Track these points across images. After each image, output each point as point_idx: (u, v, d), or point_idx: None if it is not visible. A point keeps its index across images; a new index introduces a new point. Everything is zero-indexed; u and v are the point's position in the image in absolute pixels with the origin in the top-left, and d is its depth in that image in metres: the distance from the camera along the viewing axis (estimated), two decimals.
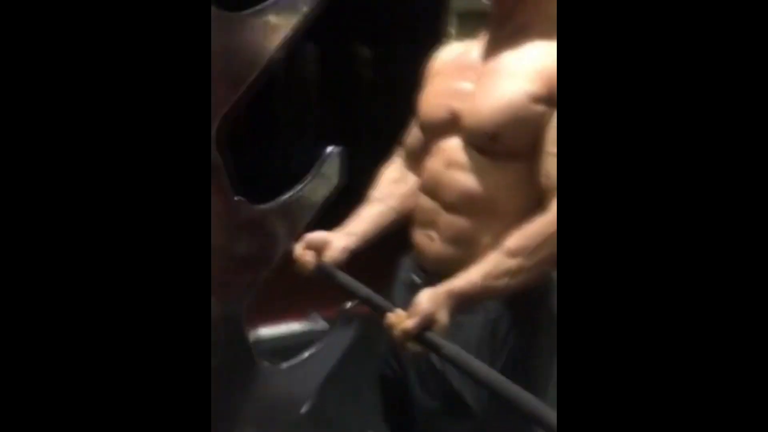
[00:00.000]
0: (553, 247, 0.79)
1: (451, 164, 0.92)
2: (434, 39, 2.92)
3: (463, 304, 0.82)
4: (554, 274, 0.88)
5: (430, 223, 0.96)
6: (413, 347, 0.79)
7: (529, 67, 0.85)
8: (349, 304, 0.95)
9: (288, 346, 1.06)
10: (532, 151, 0.85)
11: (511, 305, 0.91)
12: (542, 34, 0.86)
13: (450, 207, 0.93)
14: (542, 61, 0.84)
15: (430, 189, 0.96)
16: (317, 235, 0.96)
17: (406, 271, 1.03)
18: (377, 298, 0.85)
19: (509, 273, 0.81)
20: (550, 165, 0.83)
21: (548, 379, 0.95)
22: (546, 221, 0.81)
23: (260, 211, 0.84)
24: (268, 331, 1.35)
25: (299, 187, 0.85)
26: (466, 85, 0.91)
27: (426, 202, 0.97)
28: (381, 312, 0.82)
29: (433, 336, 0.77)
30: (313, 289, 1.09)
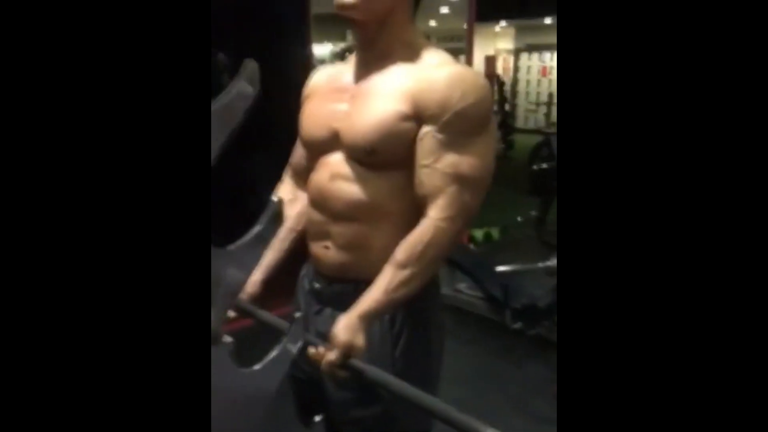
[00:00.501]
0: (435, 251, 0.92)
1: (335, 177, 1.00)
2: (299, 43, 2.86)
3: (374, 320, 0.94)
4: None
5: (323, 234, 1.03)
6: (341, 374, 0.88)
7: (396, 89, 0.94)
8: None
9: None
10: (407, 160, 0.94)
11: (403, 303, 0.99)
12: (403, 58, 0.97)
13: (339, 216, 1.00)
14: (406, 84, 0.94)
15: (318, 202, 1.03)
16: None
17: (307, 279, 1.11)
18: (299, 331, 0.88)
19: (404, 283, 0.92)
20: (424, 175, 0.93)
21: (440, 356, 1.10)
22: (424, 229, 0.92)
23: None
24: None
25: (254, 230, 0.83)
26: (342, 106, 1.00)
27: (315, 215, 1.04)
28: (304, 346, 0.90)
29: (355, 362, 0.87)
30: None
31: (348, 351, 0.88)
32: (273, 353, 0.94)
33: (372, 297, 0.92)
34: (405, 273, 0.91)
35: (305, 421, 1.20)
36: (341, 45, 5.98)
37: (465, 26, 3.61)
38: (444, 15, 8.56)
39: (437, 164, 0.92)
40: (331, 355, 0.88)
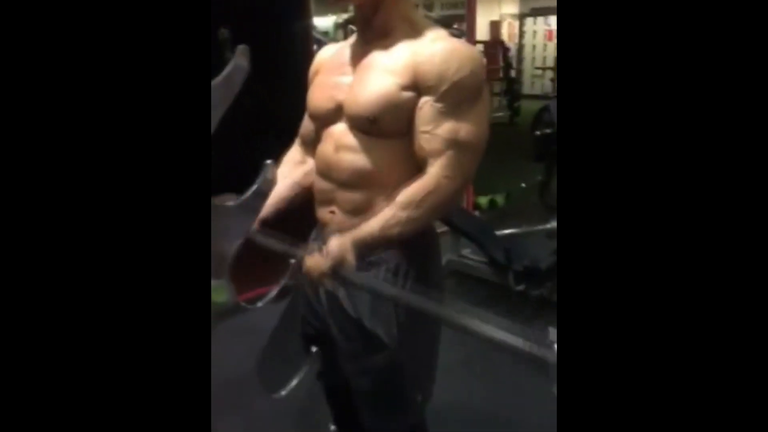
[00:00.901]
0: (433, 200, 0.99)
1: (339, 147, 1.07)
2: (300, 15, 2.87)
3: (365, 248, 1.00)
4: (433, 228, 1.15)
5: (329, 201, 1.11)
6: (329, 283, 0.98)
7: (396, 62, 1.01)
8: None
9: None
10: (407, 130, 1.02)
11: (405, 255, 1.08)
12: (402, 33, 1.03)
13: (344, 185, 1.08)
14: (405, 57, 1.00)
15: (324, 171, 1.11)
16: None
17: (315, 242, 1.17)
18: (294, 249, 1.02)
19: (400, 223, 0.99)
20: (424, 141, 1.01)
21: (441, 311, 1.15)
22: (427, 180, 0.99)
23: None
24: None
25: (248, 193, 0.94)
26: (346, 79, 1.08)
27: (322, 183, 1.12)
28: (301, 257, 0.99)
29: (344, 272, 0.96)
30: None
31: (338, 262, 0.97)
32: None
33: (368, 228, 1.00)
34: (402, 214, 0.99)
35: (317, 374, 1.29)
36: (344, 16, 5.95)
37: None
38: None
39: (437, 130, 0.99)
40: (324, 264, 0.97)
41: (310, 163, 1.21)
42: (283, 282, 1.04)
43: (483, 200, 4.13)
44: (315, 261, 0.98)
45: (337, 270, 0.97)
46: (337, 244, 0.98)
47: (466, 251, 3.14)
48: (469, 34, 3.69)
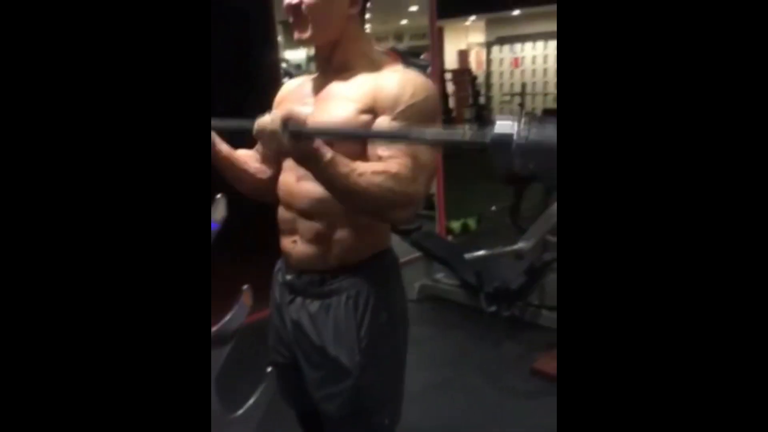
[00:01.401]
0: (394, 183, 0.96)
1: (300, 177, 1.10)
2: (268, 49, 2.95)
3: (313, 160, 0.95)
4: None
5: (292, 230, 1.14)
6: (283, 140, 0.92)
7: (356, 90, 1.06)
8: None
9: None
10: (364, 157, 1.02)
11: (366, 281, 1.10)
12: (361, 67, 1.08)
13: (305, 213, 1.11)
14: (365, 86, 1.05)
15: (287, 201, 1.15)
16: None
17: (281, 273, 1.22)
18: (246, 123, 0.99)
19: (352, 180, 0.95)
20: (380, 151, 1.00)
21: (405, 336, 1.19)
22: (390, 165, 0.97)
23: None
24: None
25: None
26: (306, 110, 1.09)
27: (285, 213, 1.15)
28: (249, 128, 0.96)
29: (295, 125, 0.92)
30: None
31: (289, 115, 0.92)
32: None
33: (341, 161, 0.95)
34: (372, 178, 0.95)
35: (287, 401, 1.31)
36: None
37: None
38: (413, 13, 8.67)
39: (392, 144, 1.00)
40: (272, 120, 0.92)
41: (263, 168, 1.23)
42: (235, 309, 1.05)
43: (455, 224, 4.20)
44: (264, 119, 0.95)
45: (286, 124, 0.92)
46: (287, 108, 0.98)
47: (439, 275, 3.18)
48: (435, 63, 3.79)
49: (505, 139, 0.71)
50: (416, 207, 1.02)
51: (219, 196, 0.79)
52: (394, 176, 0.96)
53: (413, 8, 8.37)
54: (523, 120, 0.71)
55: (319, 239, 1.10)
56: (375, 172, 0.96)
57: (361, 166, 0.97)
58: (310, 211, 1.10)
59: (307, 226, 1.10)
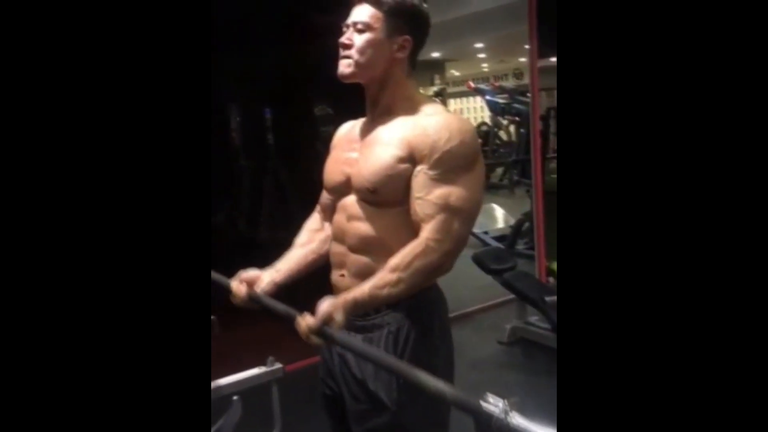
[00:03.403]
0: (421, 263, 1.06)
1: (351, 217, 1.18)
2: None
3: (356, 308, 1.07)
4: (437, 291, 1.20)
5: (341, 264, 1.21)
6: (315, 340, 1.03)
7: (394, 137, 1.12)
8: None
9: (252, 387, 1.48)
10: (404, 199, 1.11)
11: (408, 317, 1.14)
12: (403, 111, 1.15)
13: (354, 249, 1.18)
14: (403, 132, 1.11)
15: (338, 237, 1.22)
16: (250, 272, 1.26)
17: None
18: (290, 310, 1.10)
19: (389, 284, 1.06)
20: (417, 206, 1.09)
21: (449, 376, 1.19)
22: (416, 244, 1.07)
23: None
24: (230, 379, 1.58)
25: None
26: (353, 155, 1.20)
27: (336, 247, 1.23)
28: (294, 319, 1.06)
29: (330, 330, 1.02)
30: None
31: (326, 320, 1.02)
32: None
33: (360, 289, 1.06)
34: (392, 276, 1.06)
35: (335, 428, 1.35)
36: None
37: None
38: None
39: (428, 196, 1.08)
40: (311, 320, 1.02)
41: (327, 230, 1.32)
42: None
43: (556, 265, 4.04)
44: (305, 319, 1.03)
45: (324, 328, 1.01)
46: (327, 303, 1.04)
47: (532, 318, 3.08)
48: (534, 102, 3.75)
49: (486, 419, 0.79)
50: (455, 257, 1.10)
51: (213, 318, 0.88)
52: (425, 254, 1.06)
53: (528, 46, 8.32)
54: (507, 407, 0.78)
55: (366, 273, 1.14)
56: (406, 264, 1.06)
57: (391, 264, 1.06)
58: (358, 246, 1.16)
59: (354, 260, 1.17)
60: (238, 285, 1.24)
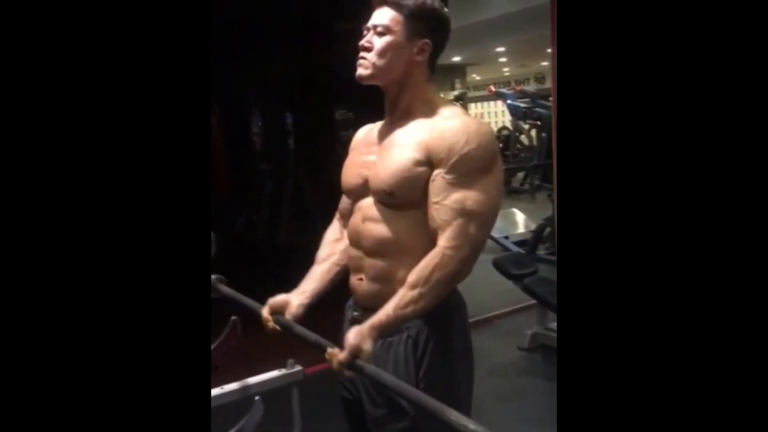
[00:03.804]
0: (440, 274, 1.06)
1: (366, 219, 1.18)
2: None
3: (383, 332, 1.07)
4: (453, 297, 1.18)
5: (358, 268, 1.21)
6: (348, 374, 1.03)
7: (412, 139, 1.12)
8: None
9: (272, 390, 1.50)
10: (421, 202, 1.10)
11: (427, 322, 1.13)
12: (422, 114, 1.14)
13: (370, 252, 1.17)
14: (421, 135, 1.11)
15: (354, 241, 1.22)
16: (278, 298, 1.25)
17: (349, 309, 1.27)
18: (321, 340, 1.09)
19: (412, 301, 1.06)
20: (434, 211, 1.08)
21: (468, 381, 1.20)
22: (433, 255, 1.06)
23: None
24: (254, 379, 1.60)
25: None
26: (371, 157, 1.20)
27: (353, 251, 1.22)
28: (324, 349, 1.06)
29: (360, 363, 1.02)
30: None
31: (355, 352, 1.01)
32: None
33: (383, 311, 1.05)
34: (413, 293, 1.05)
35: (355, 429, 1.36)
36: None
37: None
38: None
39: (445, 201, 1.07)
40: (341, 355, 1.02)
41: (347, 239, 1.31)
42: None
43: None
44: (333, 354, 1.03)
45: (356, 362, 1.01)
46: (353, 334, 1.03)
47: (553, 324, 3.04)
48: (556, 105, 3.72)
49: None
50: (474, 262, 1.09)
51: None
52: (442, 265, 1.05)
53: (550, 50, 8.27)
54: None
55: (383, 277, 1.15)
56: (426, 277, 1.05)
57: (411, 281, 1.06)
58: (374, 249, 1.16)
59: (372, 264, 1.17)
60: (267, 315, 1.24)
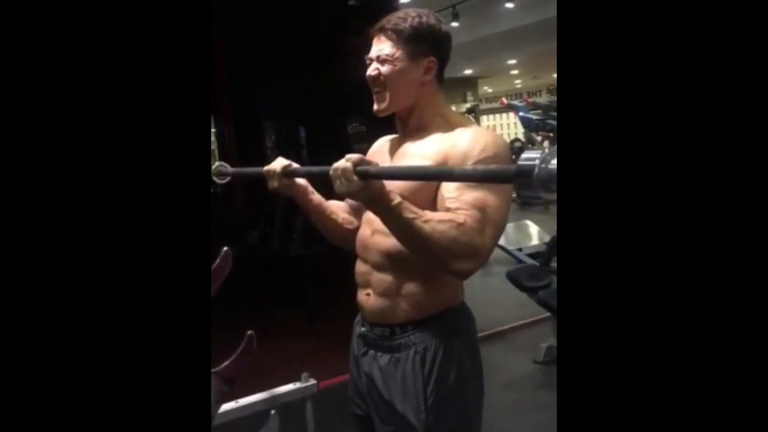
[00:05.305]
0: (456, 233, 0.99)
1: (375, 231, 1.17)
2: None
3: (383, 192, 1.00)
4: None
5: (366, 283, 1.20)
6: (354, 181, 0.98)
7: (425, 151, 1.13)
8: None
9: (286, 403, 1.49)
10: (434, 205, 1.08)
11: (435, 336, 1.13)
12: (436, 127, 1.15)
13: (378, 266, 1.16)
14: (434, 146, 1.12)
15: (362, 254, 1.22)
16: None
17: (357, 325, 1.28)
18: (325, 168, 1.06)
19: (421, 218, 1.00)
20: (449, 203, 1.04)
21: (478, 395, 1.19)
22: (455, 215, 1.01)
23: None
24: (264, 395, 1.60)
25: None
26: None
27: (360, 266, 1.22)
28: (328, 174, 1.03)
29: (366, 167, 0.98)
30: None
31: (361, 161, 0.99)
32: None
33: (399, 201, 1.01)
34: (426, 216, 1.00)
35: None
36: None
37: None
38: None
39: (462, 196, 1.03)
40: (345, 162, 0.99)
41: (353, 219, 1.31)
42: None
43: None
44: (340, 164, 1.00)
45: (363, 167, 0.98)
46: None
47: None
48: None
49: (527, 168, 0.72)
50: (482, 259, 1.03)
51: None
52: (460, 226, 0.99)
53: None
54: (547, 151, 0.71)
55: (390, 292, 1.14)
56: (441, 221, 1.00)
57: (428, 214, 1.01)
58: (382, 264, 1.15)
59: (380, 279, 1.16)
60: (269, 166, 1.27)
